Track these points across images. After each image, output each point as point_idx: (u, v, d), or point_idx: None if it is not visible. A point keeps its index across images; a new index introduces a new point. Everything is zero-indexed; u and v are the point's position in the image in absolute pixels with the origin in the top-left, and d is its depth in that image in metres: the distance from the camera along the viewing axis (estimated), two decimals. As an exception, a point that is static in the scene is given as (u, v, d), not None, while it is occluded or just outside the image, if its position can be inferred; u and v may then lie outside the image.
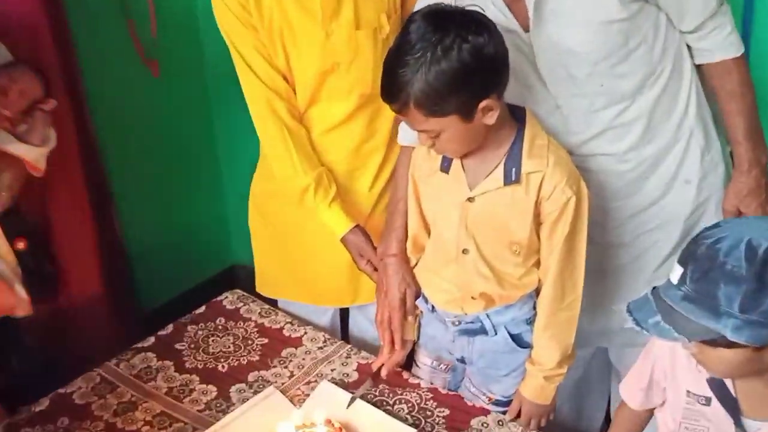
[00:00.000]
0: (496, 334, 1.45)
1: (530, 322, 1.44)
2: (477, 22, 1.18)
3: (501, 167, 1.32)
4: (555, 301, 1.38)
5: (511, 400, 1.49)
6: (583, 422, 1.83)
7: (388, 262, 1.52)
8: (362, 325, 1.95)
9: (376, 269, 1.59)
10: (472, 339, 1.49)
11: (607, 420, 1.86)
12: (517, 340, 1.45)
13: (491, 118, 1.23)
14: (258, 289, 1.92)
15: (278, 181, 1.70)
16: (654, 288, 1.14)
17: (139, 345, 1.71)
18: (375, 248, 1.59)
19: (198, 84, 2.44)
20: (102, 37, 2.09)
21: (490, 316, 1.43)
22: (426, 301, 1.53)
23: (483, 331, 1.46)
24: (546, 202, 1.31)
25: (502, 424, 1.47)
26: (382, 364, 1.56)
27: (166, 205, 2.47)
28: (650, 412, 1.24)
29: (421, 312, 1.57)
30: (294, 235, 1.78)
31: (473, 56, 1.15)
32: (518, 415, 1.47)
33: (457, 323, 1.47)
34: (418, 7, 1.33)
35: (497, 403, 1.52)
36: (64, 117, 1.83)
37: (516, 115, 1.33)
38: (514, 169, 1.30)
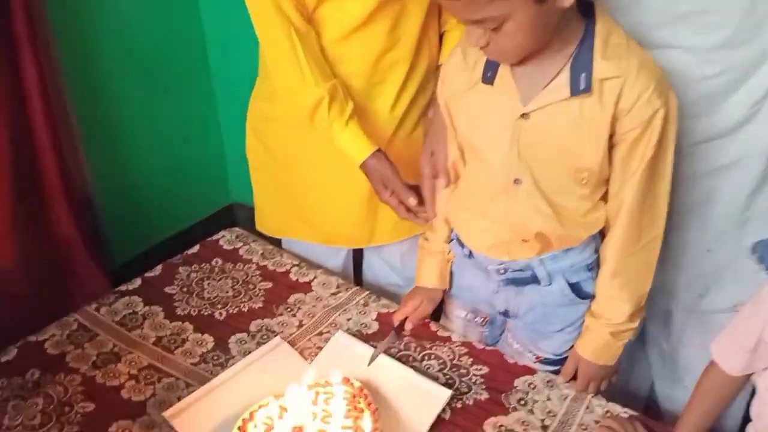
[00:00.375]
0: (550, 283, 1.22)
1: (591, 268, 1.21)
2: None
3: (566, 73, 1.05)
4: (629, 241, 1.14)
5: (564, 359, 1.26)
6: (631, 384, 1.61)
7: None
8: (378, 269, 1.72)
9: (401, 202, 1.34)
10: (520, 290, 1.26)
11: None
12: (576, 290, 1.22)
13: (568, 0, 0.97)
14: (258, 227, 1.68)
15: (282, 100, 1.44)
16: None
17: (123, 288, 1.48)
18: (400, 177, 1.33)
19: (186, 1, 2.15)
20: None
21: (545, 263, 1.20)
22: (461, 245, 1.29)
23: (535, 280, 1.22)
24: (626, 116, 1.05)
25: (553, 385, 1.25)
26: (406, 317, 1.32)
27: (154, 137, 2.20)
28: (746, 378, 1.01)
29: (453, 257, 1.33)
30: (299, 165, 1.52)
31: None
32: (573, 378, 1.24)
33: (502, 272, 1.23)
34: None
35: (546, 362, 1.30)
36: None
37: (581, 8, 1.06)
38: (583, 75, 1.03)
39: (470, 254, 1.27)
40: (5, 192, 1.67)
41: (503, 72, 1.11)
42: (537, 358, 1.31)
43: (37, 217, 1.79)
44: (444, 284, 1.35)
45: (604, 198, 1.15)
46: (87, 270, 1.83)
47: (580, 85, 1.04)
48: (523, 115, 1.09)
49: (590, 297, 1.21)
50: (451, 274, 1.36)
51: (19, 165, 1.68)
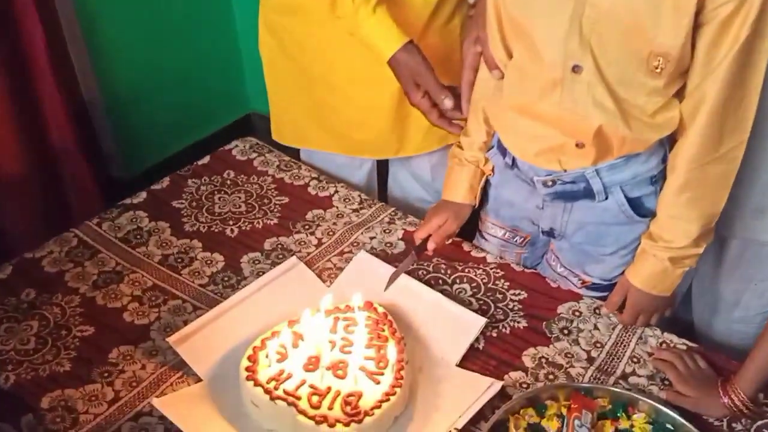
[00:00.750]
0: (606, 198, 1.05)
1: (656, 181, 1.04)
2: None
3: None
4: (706, 148, 0.95)
5: (614, 285, 1.11)
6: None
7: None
8: (406, 183, 1.57)
9: (434, 105, 1.17)
10: (569, 206, 1.10)
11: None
12: (636, 206, 1.05)
13: None
14: (275, 137, 1.53)
15: None
16: None
17: (128, 201, 1.36)
18: (435, 73, 1.16)
19: None
20: None
21: (601, 173, 1.03)
22: (504, 152, 1.12)
23: (588, 194, 1.06)
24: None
25: (600, 313, 1.11)
26: (429, 235, 1.18)
27: (162, 37, 2.02)
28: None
29: (493, 169, 1.17)
30: (320, 64, 1.35)
31: None
32: (621, 309, 1.10)
33: (550, 184, 1.07)
34: None
35: (593, 287, 1.16)
36: None
37: None
38: None
39: (513, 163, 1.11)
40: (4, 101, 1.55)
41: None
42: (583, 283, 1.17)
43: (38, 126, 1.67)
44: (473, 200, 1.20)
45: (679, 95, 0.96)
46: (84, 182, 1.72)
47: None
48: None
49: (651, 215, 1.05)
50: (488, 188, 1.20)
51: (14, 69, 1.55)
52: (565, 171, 1.04)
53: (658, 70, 0.91)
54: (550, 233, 1.16)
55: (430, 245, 1.17)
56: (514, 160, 1.10)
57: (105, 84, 1.92)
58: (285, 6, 1.33)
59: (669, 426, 0.93)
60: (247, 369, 0.95)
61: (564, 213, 1.11)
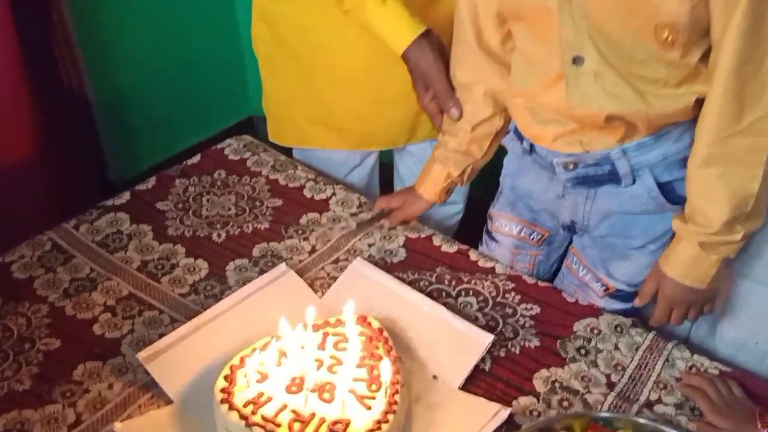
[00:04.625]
0: (634, 182, 0.94)
1: None
2: None
3: None
4: (726, 117, 0.83)
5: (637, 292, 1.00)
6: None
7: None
8: (412, 177, 1.45)
9: (441, 111, 1.07)
10: (593, 193, 0.98)
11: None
12: (667, 192, 0.94)
13: None
14: (272, 138, 1.43)
15: None
16: None
17: (109, 203, 1.26)
18: (447, 75, 1.06)
19: None
20: None
21: (628, 154, 0.91)
22: (520, 138, 1.01)
23: (613, 178, 0.94)
24: None
25: (623, 331, 0.99)
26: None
27: (162, 36, 1.94)
28: None
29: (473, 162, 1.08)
30: (322, 55, 1.26)
31: None
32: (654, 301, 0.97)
33: (571, 167, 0.96)
34: None
35: (618, 296, 1.05)
36: None
37: None
38: None
39: (531, 149, 1.00)
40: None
41: None
42: (606, 289, 1.05)
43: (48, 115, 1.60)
44: (436, 199, 1.14)
45: (707, 59, 0.84)
46: (79, 184, 1.64)
47: None
48: None
49: (683, 202, 0.92)
50: (502, 181, 1.12)
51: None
52: (588, 152, 0.93)
53: (670, 42, 0.80)
54: (570, 227, 1.05)
55: (388, 223, 1.18)
56: (531, 145, 0.99)
57: (102, 84, 1.84)
58: None
59: (701, 463, 0.81)
60: (223, 390, 0.84)
61: (587, 202, 1.00)
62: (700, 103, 0.86)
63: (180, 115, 2.08)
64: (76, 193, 1.68)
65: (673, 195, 0.93)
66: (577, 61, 0.85)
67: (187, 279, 1.11)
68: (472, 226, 1.32)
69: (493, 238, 1.17)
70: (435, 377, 0.93)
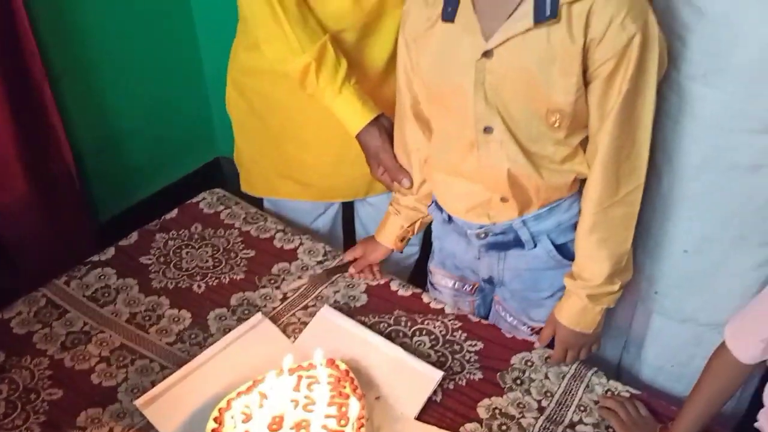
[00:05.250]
0: (535, 246, 1.12)
1: None
2: None
3: (529, 1, 0.93)
4: (606, 192, 1.02)
5: None
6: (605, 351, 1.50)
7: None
8: (371, 223, 1.61)
9: (393, 181, 1.25)
10: (502, 255, 1.17)
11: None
12: (563, 251, 1.13)
13: None
14: (244, 188, 1.57)
15: (269, 58, 1.31)
16: None
17: (96, 258, 1.39)
18: (393, 156, 1.23)
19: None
20: None
21: (528, 224, 1.10)
22: (440, 209, 1.19)
23: (518, 243, 1.13)
24: (598, 46, 0.93)
25: (550, 363, 1.17)
26: (355, 259, 1.33)
27: (135, 86, 2.06)
28: (761, 366, 0.93)
29: (423, 218, 1.26)
30: (287, 120, 1.40)
31: None
32: (551, 345, 1.17)
33: (483, 236, 1.14)
34: None
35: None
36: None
37: None
38: (548, 0, 0.92)
39: (450, 219, 1.18)
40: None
41: (464, 7, 0.99)
42: (532, 329, 1.23)
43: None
44: (396, 247, 1.30)
45: (584, 144, 1.05)
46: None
47: (546, 11, 0.92)
48: (486, 54, 0.98)
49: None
50: (432, 242, 1.29)
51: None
52: (495, 224, 1.12)
53: (557, 125, 1.00)
54: (489, 281, 1.23)
55: (351, 271, 1.34)
56: (450, 216, 1.17)
57: (82, 133, 1.95)
58: (252, 67, 1.38)
59: (614, 473, 0.98)
60: (213, 431, 0.99)
61: (499, 262, 1.18)
62: (578, 181, 1.07)
63: (151, 159, 2.19)
64: (69, 230, 1.80)
65: (568, 253, 1.13)
66: (487, 130, 1.03)
67: (173, 329, 1.24)
68: (419, 275, 1.48)
69: (435, 288, 1.34)
70: (395, 410, 1.09)
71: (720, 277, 1.12)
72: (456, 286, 1.30)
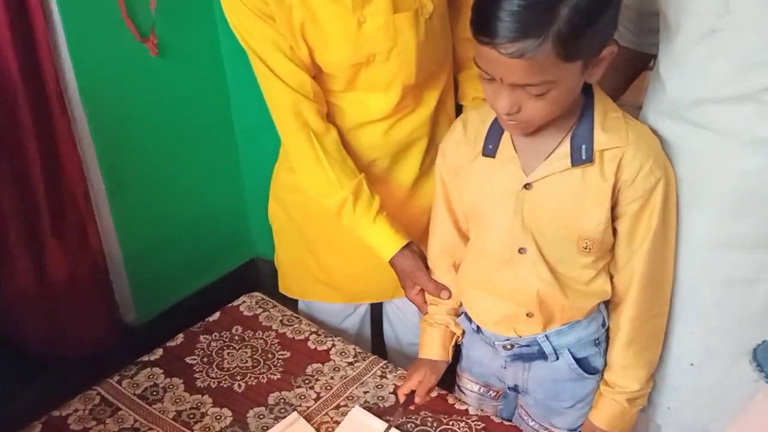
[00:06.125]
0: (557, 359, 1.22)
1: (599, 343, 1.22)
2: None
3: (567, 144, 1.08)
4: (643, 310, 1.15)
5: None
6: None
7: None
8: (398, 325, 1.73)
9: (425, 301, 1.37)
10: (527, 365, 1.26)
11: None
12: (584, 365, 1.22)
13: (599, 72, 1.01)
14: (281, 289, 1.71)
15: (299, 177, 1.47)
16: None
17: (145, 358, 1.50)
18: (427, 272, 1.35)
19: (211, 61, 2.21)
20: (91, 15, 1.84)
21: (550, 338, 1.20)
22: (470, 320, 1.30)
23: (541, 355, 1.22)
24: (628, 188, 1.07)
25: (570, 465, 1.24)
26: (413, 390, 1.32)
27: (179, 194, 2.25)
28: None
29: (462, 332, 1.34)
30: (323, 232, 1.54)
31: None
32: None
33: (509, 347, 1.24)
34: None
35: (567, 438, 1.30)
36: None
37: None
38: (584, 146, 1.06)
39: (478, 329, 1.28)
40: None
41: (504, 144, 1.13)
42: None
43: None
44: (447, 356, 1.35)
45: (607, 268, 1.16)
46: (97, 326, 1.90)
47: (582, 156, 1.07)
48: (526, 186, 1.11)
49: (598, 372, 1.22)
50: (461, 347, 1.37)
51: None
52: (520, 336, 1.22)
53: (587, 250, 1.12)
54: (515, 389, 1.31)
55: (417, 400, 1.31)
56: (478, 327, 1.27)
57: (123, 238, 2.12)
58: (293, 185, 1.52)
59: None
60: None
61: (524, 371, 1.27)
62: (599, 303, 1.18)
63: (191, 261, 2.35)
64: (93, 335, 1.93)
65: (588, 367, 1.22)
66: (521, 251, 1.16)
67: (215, 426, 1.34)
68: (446, 376, 1.53)
69: (462, 390, 1.42)
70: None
71: (726, 389, 1.19)
72: (481, 391, 1.38)
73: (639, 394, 1.19)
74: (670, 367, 1.23)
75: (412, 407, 1.32)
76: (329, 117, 1.38)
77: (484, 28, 0.93)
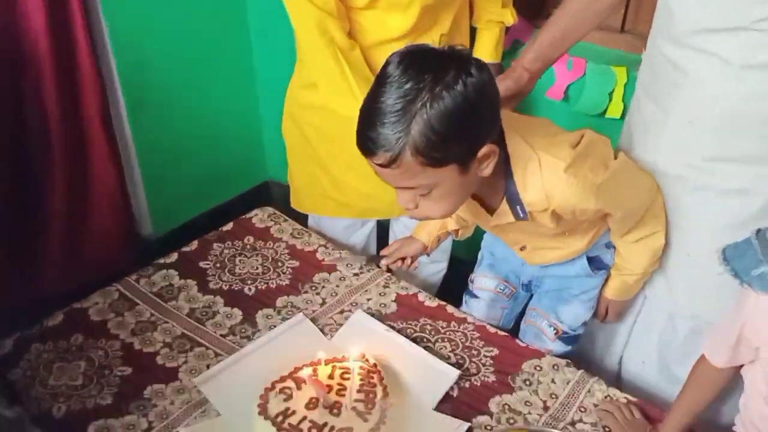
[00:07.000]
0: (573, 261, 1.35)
1: (610, 246, 1.34)
2: (475, 60, 0.99)
3: (505, 203, 1.16)
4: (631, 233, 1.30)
5: (579, 336, 1.42)
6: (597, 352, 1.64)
7: None
8: (404, 232, 1.77)
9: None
10: (545, 266, 1.39)
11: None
12: (595, 262, 1.35)
13: (488, 168, 1.04)
14: (293, 205, 1.77)
15: (323, 94, 1.51)
16: (759, 230, 0.94)
17: (161, 261, 1.58)
18: None
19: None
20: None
21: None
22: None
23: None
24: (573, 216, 1.17)
25: (558, 369, 1.31)
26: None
27: (198, 118, 2.29)
28: (735, 370, 1.06)
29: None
30: (335, 149, 1.59)
31: (477, 93, 0.96)
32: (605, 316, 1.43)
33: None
34: None
35: (563, 338, 1.39)
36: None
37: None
38: (518, 207, 1.15)
39: None
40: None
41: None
42: (556, 332, 1.39)
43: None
44: (428, 242, 1.44)
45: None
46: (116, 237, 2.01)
47: (520, 214, 1.15)
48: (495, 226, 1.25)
49: (607, 268, 1.36)
50: (483, 250, 1.51)
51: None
52: None
53: (567, 235, 1.28)
54: (528, 286, 1.44)
55: (383, 261, 1.46)
56: None
57: (142, 156, 2.18)
58: (307, 103, 1.57)
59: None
60: (259, 406, 1.15)
61: (541, 270, 1.40)
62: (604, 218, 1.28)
63: (206, 181, 2.41)
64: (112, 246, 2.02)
65: (600, 264, 1.36)
66: (522, 249, 1.33)
67: (226, 323, 1.42)
68: (453, 282, 1.65)
69: (473, 296, 1.50)
70: (416, 401, 1.24)
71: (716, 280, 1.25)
72: (498, 287, 1.48)
73: (643, 274, 1.33)
74: (669, 258, 1.33)
75: (382, 263, 1.47)
76: (349, 35, 1.42)
77: (359, 144, 1.03)
